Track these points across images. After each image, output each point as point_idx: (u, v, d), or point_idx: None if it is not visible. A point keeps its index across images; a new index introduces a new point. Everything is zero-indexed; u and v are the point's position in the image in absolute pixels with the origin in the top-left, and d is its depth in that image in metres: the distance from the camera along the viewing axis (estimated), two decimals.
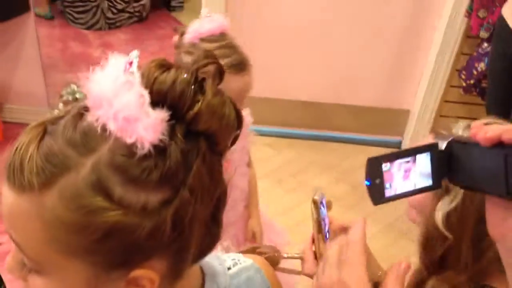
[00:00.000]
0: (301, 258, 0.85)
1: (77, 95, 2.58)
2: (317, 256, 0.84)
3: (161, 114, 0.41)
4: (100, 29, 3.24)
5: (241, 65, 1.03)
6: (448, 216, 0.79)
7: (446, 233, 0.79)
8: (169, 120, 0.41)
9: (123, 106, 0.39)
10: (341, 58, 2.33)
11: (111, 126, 0.40)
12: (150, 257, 0.43)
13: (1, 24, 2.05)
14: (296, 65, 2.35)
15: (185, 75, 0.42)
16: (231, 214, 1.21)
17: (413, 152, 0.51)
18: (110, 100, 0.40)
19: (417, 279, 0.87)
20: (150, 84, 0.41)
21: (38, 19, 3.12)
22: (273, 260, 0.90)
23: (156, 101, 0.41)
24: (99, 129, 0.40)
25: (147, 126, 0.40)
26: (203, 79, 0.44)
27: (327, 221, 0.88)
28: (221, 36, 1.03)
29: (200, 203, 0.44)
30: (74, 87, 2.68)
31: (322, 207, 0.86)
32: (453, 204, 0.78)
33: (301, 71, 2.36)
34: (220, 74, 0.46)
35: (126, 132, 0.40)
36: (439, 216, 0.79)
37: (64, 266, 0.42)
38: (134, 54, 0.43)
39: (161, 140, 0.40)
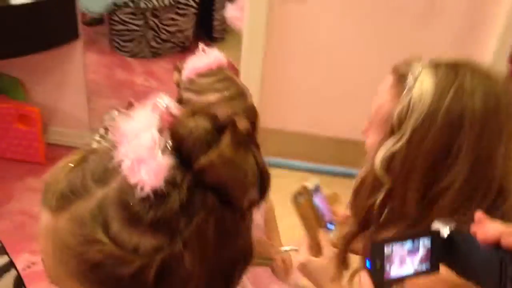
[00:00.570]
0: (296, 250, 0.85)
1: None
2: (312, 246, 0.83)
3: (168, 161, 0.42)
4: (144, 57, 3.35)
5: (239, 97, 1.03)
6: (390, 159, 0.72)
7: (385, 178, 0.73)
8: (179, 167, 0.42)
9: (136, 147, 0.41)
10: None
11: (124, 164, 0.41)
12: None
13: (52, 51, 2.15)
14: (331, 101, 2.36)
15: (207, 124, 0.43)
16: None
17: (414, 236, 0.53)
18: (129, 139, 0.42)
19: (347, 236, 0.80)
20: (175, 128, 0.43)
21: (88, 46, 3.25)
22: None
23: (175, 146, 0.42)
24: (116, 165, 0.42)
25: (150, 170, 0.41)
26: (225, 129, 0.44)
27: (326, 212, 0.87)
28: (218, 70, 1.04)
29: (197, 258, 0.43)
30: (115, 113, 2.76)
31: (315, 197, 0.86)
32: (398, 145, 0.72)
33: (336, 106, 2.36)
34: (250, 137, 0.46)
35: (132, 172, 0.41)
36: (379, 157, 0.73)
37: (71, 287, 0.44)
38: (164, 100, 0.45)
39: (162, 186, 0.41)
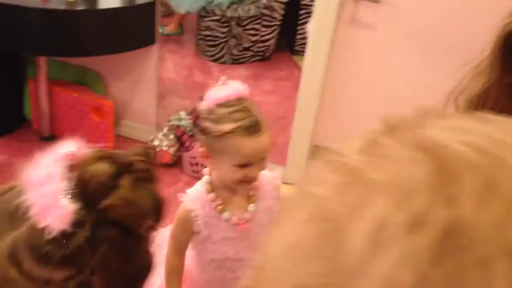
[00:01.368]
0: None
1: (182, 122, 2.81)
2: None
3: (71, 207, 0.48)
4: (224, 63, 3.51)
5: (253, 128, 1.07)
6: None
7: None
8: (83, 209, 0.49)
9: (42, 195, 0.48)
10: None
11: (32, 210, 0.48)
12: None
13: (131, 52, 2.36)
14: None
15: (108, 169, 0.50)
16: None
17: None
18: (37, 187, 0.48)
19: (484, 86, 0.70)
20: (80, 173, 0.50)
21: (175, 48, 3.49)
22: None
23: (79, 190, 0.49)
24: (25, 210, 0.48)
25: (56, 216, 0.47)
26: (124, 172, 0.51)
27: None
28: (237, 101, 1.09)
29: (105, 280, 0.50)
30: (182, 114, 2.93)
31: None
32: None
33: None
34: (147, 174, 0.53)
35: (40, 217, 0.47)
36: None
37: None
38: (71, 146, 0.52)
39: (68, 228, 0.48)
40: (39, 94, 2.40)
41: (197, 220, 1.15)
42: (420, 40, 2.11)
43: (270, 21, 3.50)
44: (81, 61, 2.48)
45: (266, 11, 3.46)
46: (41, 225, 0.47)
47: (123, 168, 0.52)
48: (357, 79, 2.28)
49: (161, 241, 1.27)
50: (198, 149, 1.20)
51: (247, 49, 3.53)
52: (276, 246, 0.27)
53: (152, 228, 0.54)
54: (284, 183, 1.31)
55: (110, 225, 0.50)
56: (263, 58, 3.61)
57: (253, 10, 3.45)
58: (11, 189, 0.53)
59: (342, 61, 2.24)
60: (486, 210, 0.21)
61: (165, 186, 2.20)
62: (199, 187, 1.19)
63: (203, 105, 1.11)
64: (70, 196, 0.49)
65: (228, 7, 3.39)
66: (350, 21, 2.15)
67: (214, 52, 3.50)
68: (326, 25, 2.14)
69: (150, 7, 2.29)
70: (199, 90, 3.19)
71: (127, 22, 2.27)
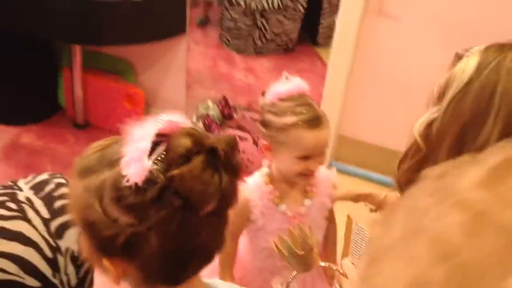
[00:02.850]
0: (338, 271, 0.90)
1: (210, 111, 2.88)
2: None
3: (149, 166, 0.57)
4: (248, 54, 3.58)
5: (315, 121, 1.13)
6: (428, 126, 0.76)
7: (421, 143, 0.76)
8: (159, 172, 0.57)
9: (133, 149, 0.57)
10: None
11: (122, 159, 0.58)
12: (111, 255, 0.60)
13: (161, 42, 2.43)
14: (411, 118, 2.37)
15: (188, 144, 0.57)
16: None
17: None
18: (132, 142, 0.58)
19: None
20: (169, 141, 0.58)
21: (200, 38, 3.55)
22: None
23: (160, 155, 0.58)
24: (119, 158, 0.58)
25: (136, 170, 0.56)
26: (204, 151, 0.58)
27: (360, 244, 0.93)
28: (299, 96, 1.15)
29: (159, 242, 0.58)
30: (209, 103, 3.00)
31: (356, 229, 0.92)
32: (435, 114, 0.76)
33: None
34: (225, 162, 0.59)
35: (125, 167, 0.57)
36: (418, 123, 0.77)
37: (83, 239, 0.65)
38: (171, 117, 0.60)
39: (141, 182, 0.56)
40: (73, 82, 2.48)
41: (254, 210, 1.21)
42: (448, 32, 2.15)
43: (293, 14, 3.55)
44: (113, 50, 2.56)
45: (290, 3, 3.50)
46: (124, 173, 0.57)
47: (202, 148, 0.58)
48: (383, 70, 2.33)
49: None
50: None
51: (270, 41, 3.59)
52: (396, 285, 0.25)
53: (215, 213, 0.60)
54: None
55: (175, 193, 0.57)
56: (287, 50, 3.66)
57: (276, 2, 3.50)
58: (118, 140, 0.62)
59: (368, 52, 2.29)
60: None
61: None
62: (258, 178, 1.24)
63: (266, 99, 1.17)
64: (152, 158, 0.58)
65: None
66: (377, 12, 2.19)
67: (238, 44, 3.57)
68: (352, 17, 2.19)
69: None
70: (224, 81, 3.27)
71: (158, 12, 2.34)
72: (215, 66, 3.43)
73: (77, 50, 2.40)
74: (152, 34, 2.38)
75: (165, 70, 2.59)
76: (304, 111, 1.13)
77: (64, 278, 0.90)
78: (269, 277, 1.24)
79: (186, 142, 0.58)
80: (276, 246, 0.95)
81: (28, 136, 2.51)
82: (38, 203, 0.94)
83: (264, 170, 1.24)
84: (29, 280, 0.87)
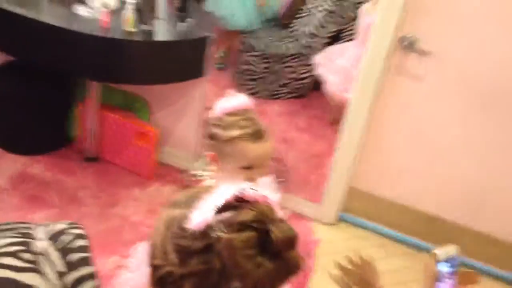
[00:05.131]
0: None
1: None
2: None
3: (209, 221, 0.60)
4: (260, 97, 3.59)
5: (257, 134, 1.20)
6: None
7: None
8: (217, 230, 0.59)
9: (205, 201, 0.62)
10: (477, 179, 2.27)
11: (194, 205, 0.63)
12: (151, 284, 0.66)
13: (180, 83, 2.43)
14: (426, 177, 2.35)
15: (250, 217, 0.59)
16: None
17: None
18: (209, 195, 0.62)
19: None
20: (233, 209, 0.61)
21: (214, 79, 3.57)
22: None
23: (223, 217, 0.60)
24: (194, 204, 0.64)
25: (198, 217, 0.60)
26: (256, 229, 0.59)
27: (447, 282, 0.88)
28: (244, 111, 1.23)
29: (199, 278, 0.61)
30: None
31: (442, 266, 0.86)
32: None
33: (430, 183, 2.35)
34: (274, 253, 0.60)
35: (194, 211, 0.61)
36: None
37: None
38: (247, 187, 0.63)
39: (196, 232, 0.60)
40: (88, 116, 2.48)
41: None
42: (469, 94, 2.15)
43: (309, 60, 3.58)
44: (129, 87, 2.56)
45: (306, 50, 3.54)
46: (190, 216, 0.62)
47: (259, 227, 0.59)
48: (401, 129, 2.32)
49: None
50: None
51: (284, 85, 3.61)
52: None
53: None
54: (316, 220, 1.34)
55: (218, 255, 0.59)
56: (300, 96, 3.68)
57: (292, 49, 3.54)
58: (201, 192, 0.66)
59: (387, 109, 2.28)
60: None
61: None
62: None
63: (213, 114, 1.25)
64: (221, 215, 0.61)
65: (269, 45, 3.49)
66: (398, 71, 2.20)
67: (251, 86, 3.58)
68: (372, 73, 2.20)
69: (203, 42, 2.37)
70: None
71: (179, 55, 2.34)
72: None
73: (95, 86, 2.40)
74: (171, 75, 2.38)
75: (181, 111, 2.59)
76: (248, 125, 1.20)
77: None
78: None
79: (249, 213, 0.59)
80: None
81: (37, 166, 2.48)
82: (55, 255, 0.90)
83: (211, 181, 1.30)
84: None
